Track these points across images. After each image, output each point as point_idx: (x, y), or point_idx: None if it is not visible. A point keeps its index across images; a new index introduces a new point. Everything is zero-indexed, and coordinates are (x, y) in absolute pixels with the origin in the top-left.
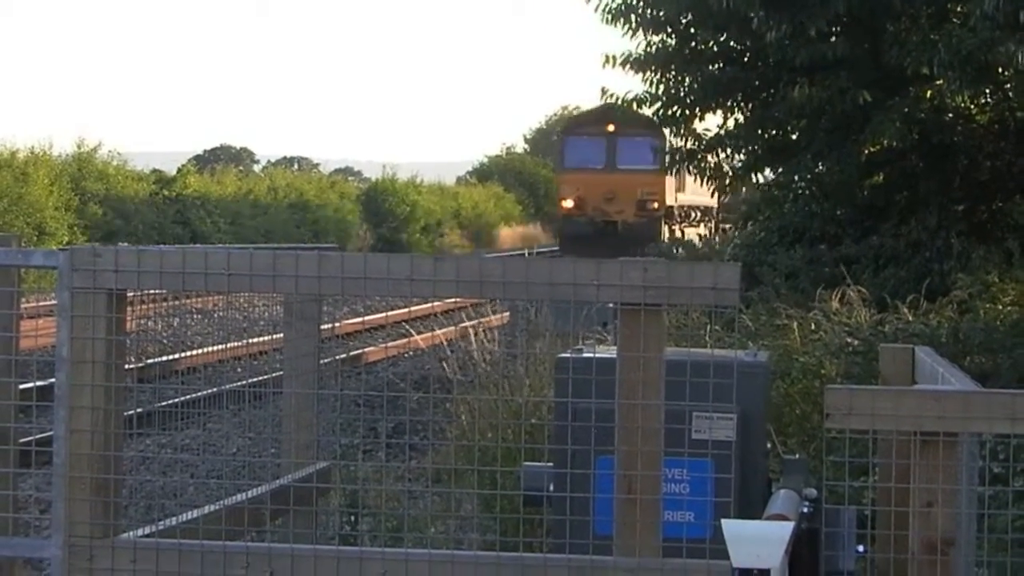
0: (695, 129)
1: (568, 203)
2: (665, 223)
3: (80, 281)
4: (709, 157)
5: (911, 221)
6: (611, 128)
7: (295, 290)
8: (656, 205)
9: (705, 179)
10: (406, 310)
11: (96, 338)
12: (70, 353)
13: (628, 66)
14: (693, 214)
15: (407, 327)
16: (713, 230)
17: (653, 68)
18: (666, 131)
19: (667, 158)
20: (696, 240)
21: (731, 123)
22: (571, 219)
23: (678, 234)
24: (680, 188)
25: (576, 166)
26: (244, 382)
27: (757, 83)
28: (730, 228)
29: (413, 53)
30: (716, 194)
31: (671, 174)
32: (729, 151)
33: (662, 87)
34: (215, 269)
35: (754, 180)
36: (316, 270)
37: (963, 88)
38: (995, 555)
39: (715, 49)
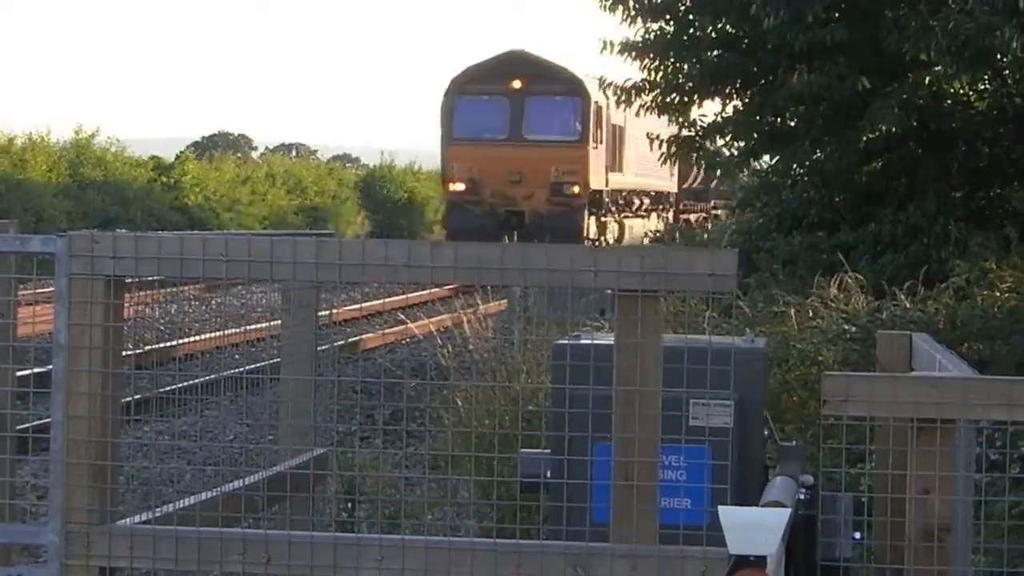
0: (691, 115)
1: (457, 186)
2: (591, 214)
3: (78, 267)
4: (707, 144)
5: (909, 208)
6: (517, 84)
7: (293, 277)
8: (576, 189)
9: (704, 166)
10: (403, 297)
11: (94, 324)
12: (68, 339)
13: (626, 53)
14: (638, 201)
15: (402, 315)
16: (671, 221)
17: (651, 55)
18: (664, 118)
19: (594, 126)
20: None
21: (729, 110)
22: (461, 208)
23: (612, 228)
24: (615, 167)
25: (469, 136)
26: (242, 369)
27: (755, 69)
28: (698, 219)
29: (411, 39)
30: (679, 178)
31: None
32: (728, 137)
33: (660, 74)
34: (213, 255)
35: (752, 167)
36: (314, 256)
37: (960, 74)
38: (992, 542)
39: (713, 36)
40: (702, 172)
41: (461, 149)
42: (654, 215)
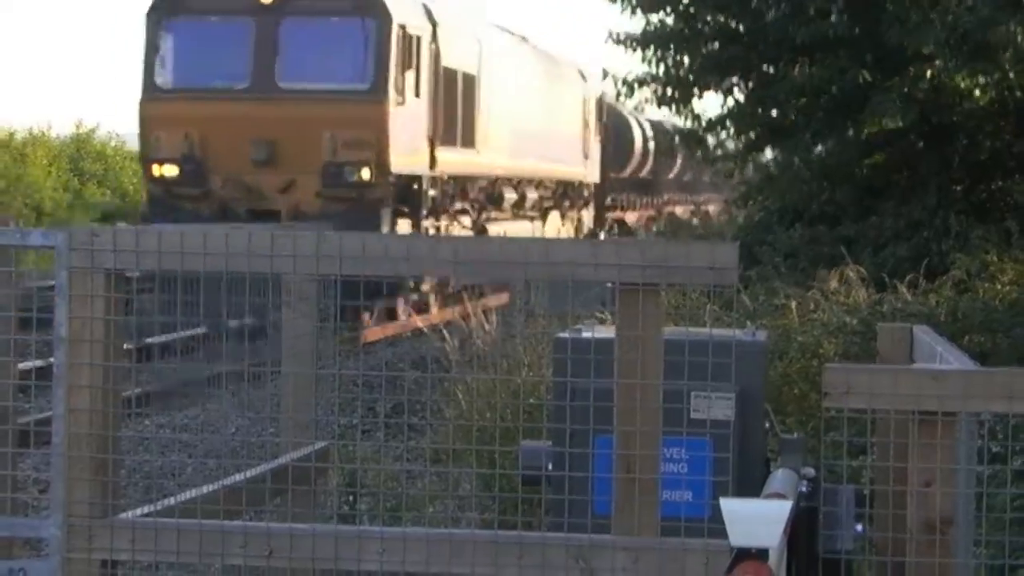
0: (693, 109)
1: (167, 169)
2: (401, 215)
3: (78, 261)
4: (709, 138)
5: (910, 201)
6: None
7: (293, 270)
8: (367, 174)
9: (710, 161)
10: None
11: (95, 318)
12: (68, 332)
13: (627, 44)
14: (515, 196)
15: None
16: (589, 223)
17: (652, 47)
18: (665, 109)
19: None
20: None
21: (731, 102)
22: (170, 203)
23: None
24: (456, 138)
25: (186, 84)
26: (243, 362)
27: (757, 62)
28: (640, 219)
29: None
30: (604, 163)
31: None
32: (731, 131)
33: (662, 66)
34: (213, 249)
35: (755, 160)
36: (314, 250)
37: (960, 67)
38: (994, 534)
39: (715, 28)
40: (650, 158)
41: (172, 107)
42: (556, 214)
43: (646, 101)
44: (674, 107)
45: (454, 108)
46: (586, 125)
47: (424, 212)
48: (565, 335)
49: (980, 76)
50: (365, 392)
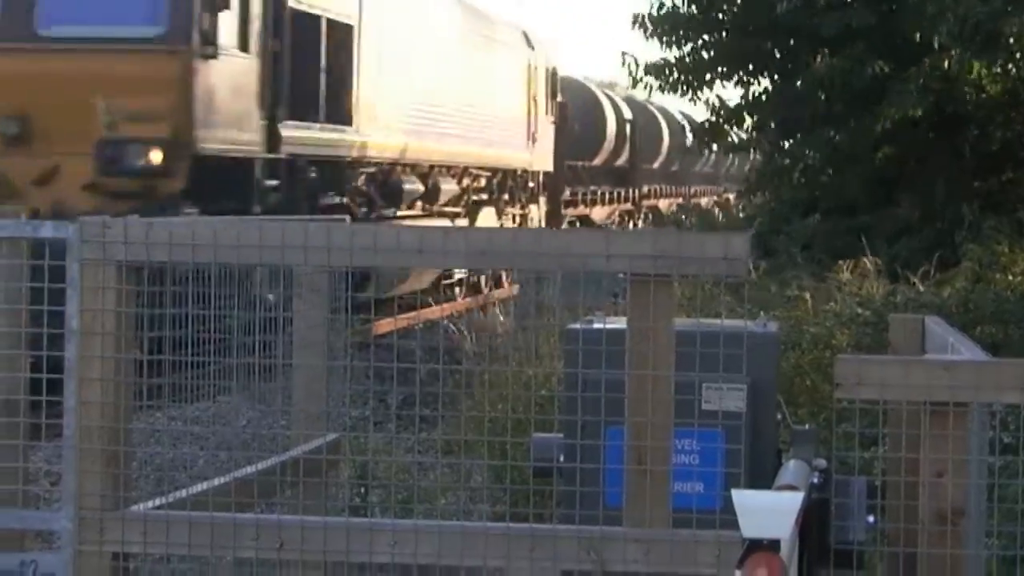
0: (719, 97)
1: None
2: (221, 212)
3: (89, 253)
4: (731, 128)
5: (923, 192)
6: None
7: (304, 262)
8: (158, 156)
9: (733, 152)
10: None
11: (106, 309)
12: (80, 325)
13: (646, 29)
14: (420, 187)
15: (421, 297)
16: (532, 218)
17: (669, 33)
18: (684, 98)
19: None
20: None
21: (751, 94)
22: None
23: None
24: (320, 109)
25: None
26: (255, 354)
27: (772, 54)
28: (613, 215)
29: None
30: (557, 148)
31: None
32: (752, 122)
33: (678, 50)
34: (225, 241)
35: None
36: (326, 242)
37: (971, 58)
38: (1005, 525)
39: (727, 18)
40: (628, 143)
41: None
42: (490, 211)
43: (660, 88)
44: (688, 94)
45: (314, 68)
46: (533, 101)
47: (258, 209)
48: (576, 326)
49: (993, 67)
50: (376, 384)
